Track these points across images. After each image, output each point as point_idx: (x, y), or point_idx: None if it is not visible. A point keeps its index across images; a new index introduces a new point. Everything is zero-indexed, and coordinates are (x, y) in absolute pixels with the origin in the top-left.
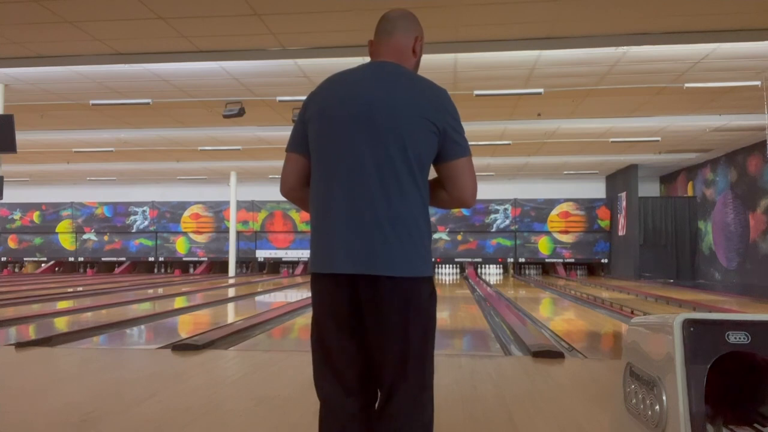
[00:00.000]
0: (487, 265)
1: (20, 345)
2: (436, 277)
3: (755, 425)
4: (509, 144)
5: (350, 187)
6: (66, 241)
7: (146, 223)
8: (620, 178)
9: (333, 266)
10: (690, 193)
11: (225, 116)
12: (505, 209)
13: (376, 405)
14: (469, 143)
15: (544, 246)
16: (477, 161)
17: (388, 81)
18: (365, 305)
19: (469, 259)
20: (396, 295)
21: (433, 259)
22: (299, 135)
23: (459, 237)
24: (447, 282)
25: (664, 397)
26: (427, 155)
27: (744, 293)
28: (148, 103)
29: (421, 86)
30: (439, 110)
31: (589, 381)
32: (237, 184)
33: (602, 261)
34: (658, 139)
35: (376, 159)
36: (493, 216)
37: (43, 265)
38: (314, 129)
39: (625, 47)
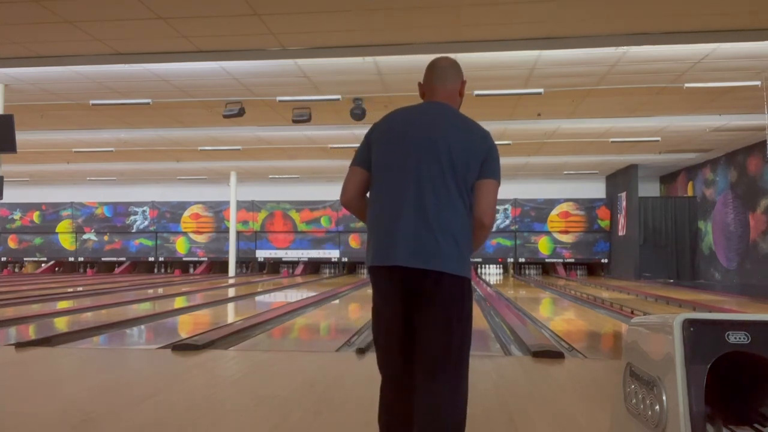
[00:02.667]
0: (487, 265)
1: (20, 345)
2: None
3: (755, 425)
4: (509, 144)
5: (410, 195)
6: (66, 241)
7: (146, 223)
8: (620, 178)
9: (389, 259)
10: (690, 193)
11: (225, 116)
12: (505, 209)
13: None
14: None
15: (544, 246)
16: None
17: (445, 118)
18: (418, 296)
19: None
20: (439, 288)
21: None
22: (363, 153)
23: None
24: None
25: (664, 397)
26: (471, 178)
27: (744, 293)
28: (148, 103)
29: (471, 126)
30: (483, 147)
31: (589, 381)
32: (237, 184)
33: (602, 261)
34: (658, 139)
35: (432, 176)
36: None
37: (43, 265)
38: (380, 149)
39: (625, 47)
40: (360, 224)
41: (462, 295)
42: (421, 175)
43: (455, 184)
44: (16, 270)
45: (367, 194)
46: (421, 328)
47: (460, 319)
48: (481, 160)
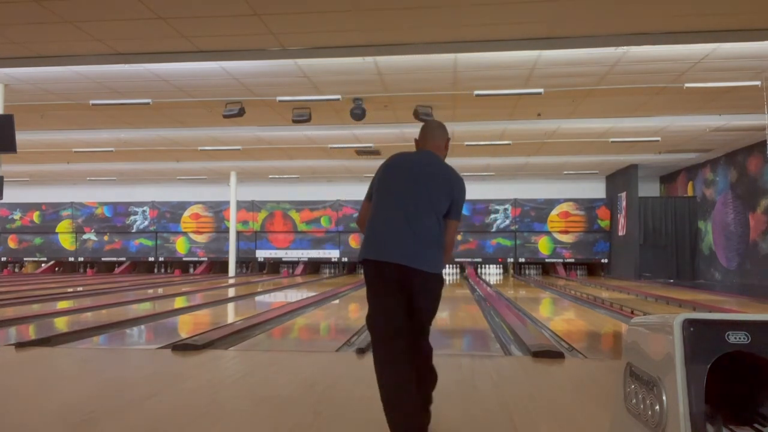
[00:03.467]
0: (487, 265)
1: (20, 345)
2: None
3: (755, 425)
4: (509, 144)
5: (403, 214)
6: (66, 241)
7: (146, 223)
8: (620, 178)
9: (385, 257)
10: (690, 193)
11: (225, 116)
12: (505, 209)
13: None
14: (470, 143)
15: (544, 246)
16: (477, 161)
17: (431, 163)
18: (407, 285)
19: (469, 259)
20: (426, 282)
21: None
22: (372, 191)
23: (459, 237)
24: (447, 282)
25: (664, 397)
26: (442, 210)
27: (744, 293)
28: (148, 103)
29: (449, 172)
30: (455, 189)
31: (589, 381)
32: (237, 184)
33: (602, 261)
34: (658, 139)
35: (416, 201)
36: (493, 216)
37: (43, 265)
38: (381, 178)
39: (625, 47)
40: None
41: (437, 287)
42: (409, 200)
43: (433, 212)
44: (16, 270)
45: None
46: (414, 307)
47: (434, 303)
48: (452, 200)
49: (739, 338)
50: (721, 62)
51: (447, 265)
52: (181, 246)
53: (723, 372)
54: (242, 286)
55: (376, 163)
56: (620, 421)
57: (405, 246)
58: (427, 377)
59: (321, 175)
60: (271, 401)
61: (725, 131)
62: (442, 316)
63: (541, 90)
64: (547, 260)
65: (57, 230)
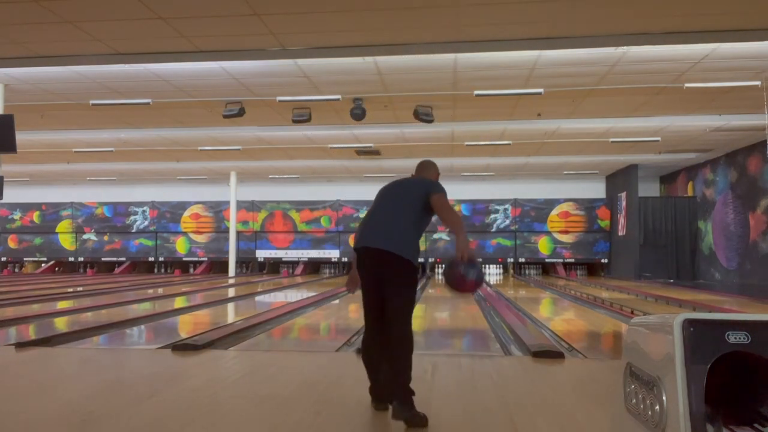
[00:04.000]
0: (487, 265)
1: (20, 345)
2: (436, 277)
3: (755, 425)
4: (509, 144)
5: (380, 214)
6: (66, 241)
7: (146, 223)
8: (620, 178)
9: (361, 243)
10: (690, 193)
11: (225, 116)
12: (505, 209)
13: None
14: (470, 143)
15: (544, 246)
16: (477, 161)
17: (411, 181)
18: (379, 270)
19: None
20: (393, 262)
21: (432, 259)
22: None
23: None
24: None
25: (664, 397)
26: (417, 207)
27: (744, 293)
28: (148, 103)
29: (423, 180)
30: (426, 184)
31: (589, 381)
32: (237, 184)
33: (602, 261)
34: (658, 139)
35: (392, 206)
36: (493, 216)
37: (43, 265)
38: (379, 193)
39: (625, 47)
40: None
41: (405, 269)
42: (389, 205)
43: (408, 214)
44: (16, 270)
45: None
46: (384, 289)
47: (403, 284)
48: (425, 194)
49: (739, 338)
50: (721, 62)
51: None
52: (181, 246)
53: (723, 372)
54: (242, 286)
55: (376, 163)
56: (620, 421)
57: (377, 235)
58: (395, 358)
59: (321, 175)
60: (271, 401)
61: (725, 131)
62: (443, 316)
63: (541, 90)
64: (547, 260)
65: (57, 230)
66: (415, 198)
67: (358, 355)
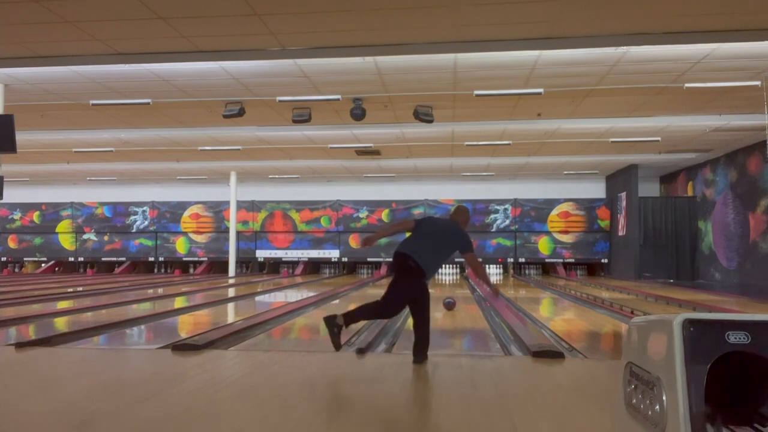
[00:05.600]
0: (487, 265)
1: (20, 345)
2: (436, 276)
3: (755, 425)
4: (509, 144)
5: (420, 240)
6: (66, 241)
7: (146, 223)
8: (620, 178)
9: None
10: (690, 193)
11: (225, 116)
12: (505, 209)
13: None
14: (470, 143)
15: (544, 246)
16: (477, 161)
17: (450, 225)
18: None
19: None
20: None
21: None
22: (415, 220)
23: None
24: (447, 282)
25: (664, 397)
26: (447, 251)
27: (744, 293)
28: (148, 103)
29: (460, 229)
30: (459, 239)
31: (589, 381)
32: (237, 184)
33: (602, 261)
34: (658, 139)
35: (434, 240)
36: (493, 216)
37: (43, 265)
38: (421, 227)
39: (625, 47)
40: (360, 224)
41: (416, 276)
42: (428, 243)
43: (440, 252)
44: (16, 270)
45: (407, 234)
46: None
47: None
48: (457, 245)
49: (739, 338)
50: (721, 62)
51: (489, 287)
52: (181, 246)
53: (723, 372)
54: (242, 286)
55: (376, 163)
56: (620, 421)
57: (414, 254)
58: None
59: (321, 175)
60: (271, 401)
61: (725, 131)
62: (442, 316)
63: (541, 90)
64: (547, 260)
65: (57, 230)
66: (448, 246)
67: (358, 355)
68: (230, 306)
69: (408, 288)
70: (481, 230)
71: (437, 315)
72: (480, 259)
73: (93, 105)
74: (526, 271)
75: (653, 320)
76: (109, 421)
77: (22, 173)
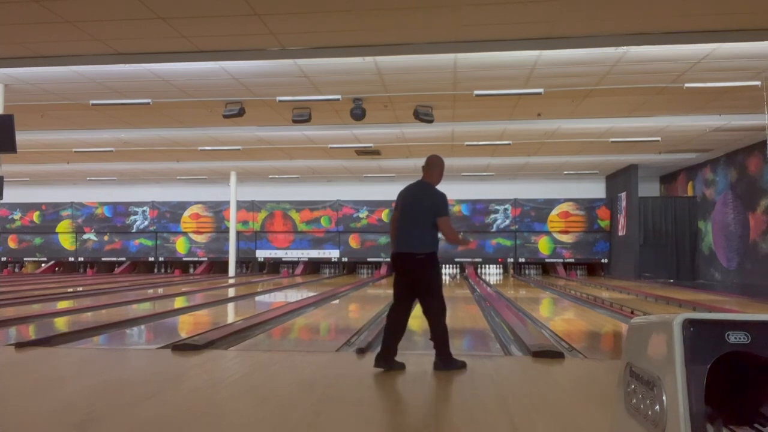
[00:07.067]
0: (487, 265)
1: (20, 345)
2: None
3: (755, 425)
4: (509, 144)
5: (403, 222)
6: (66, 241)
7: (146, 223)
8: (620, 178)
9: (394, 249)
10: (690, 193)
11: (225, 116)
12: (505, 209)
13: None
14: (470, 143)
15: (544, 246)
16: (477, 161)
17: (422, 189)
18: (403, 266)
19: (469, 259)
20: (411, 262)
21: None
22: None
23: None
24: (447, 282)
25: (663, 397)
26: (428, 219)
27: (744, 293)
28: (148, 103)
29: (432, 191)
30: (435, 201)
31: (589, 381)
32: (237, 184)
33: (602, 261)
34: (658, 139)
35: (413, 215)
36: (493, 216)
37: (43, 265)
38: (398, 209)
39: (625, 47)
40: (360, 224)
41: (422, 263)
42: (408, 214)
43: (421, 219)
44: (16, 270)
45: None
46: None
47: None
48: (434, 208)
49: (739, 338)
50: (721, 62)
51: (457, 248)
52: (181, 246)
53: (723, 372)
54: (242, 286)
55: (376, 163)
56: (620, 421)
57: (400, 242)
58: (432, 325)
59: (321, 175)
60: (271, 401)
61: (725, 131)
62: None
63: (541, 90)
64: (547, 260)
65: (57, 230)
66: (426, 212)
67: (359, 355)
68: (230, 306)
69: (428, 274)
70: (481, 230)
71: None
72: (479, 259)
73: (93, 105)
74: (526, 271)
75: (653, 320)
76: (109, 421)
77: (22, 173)
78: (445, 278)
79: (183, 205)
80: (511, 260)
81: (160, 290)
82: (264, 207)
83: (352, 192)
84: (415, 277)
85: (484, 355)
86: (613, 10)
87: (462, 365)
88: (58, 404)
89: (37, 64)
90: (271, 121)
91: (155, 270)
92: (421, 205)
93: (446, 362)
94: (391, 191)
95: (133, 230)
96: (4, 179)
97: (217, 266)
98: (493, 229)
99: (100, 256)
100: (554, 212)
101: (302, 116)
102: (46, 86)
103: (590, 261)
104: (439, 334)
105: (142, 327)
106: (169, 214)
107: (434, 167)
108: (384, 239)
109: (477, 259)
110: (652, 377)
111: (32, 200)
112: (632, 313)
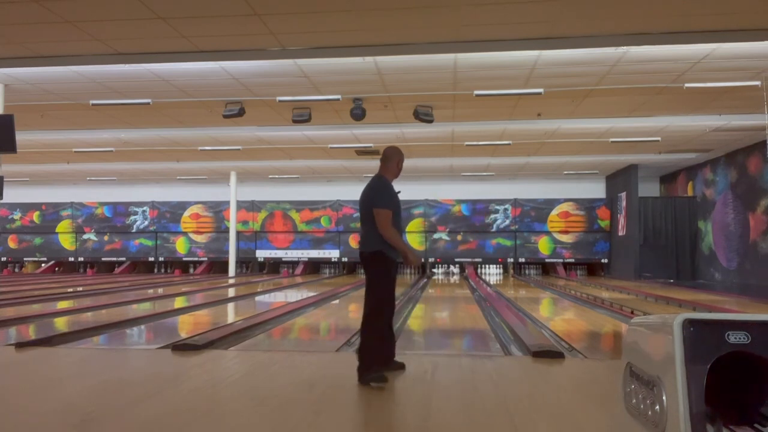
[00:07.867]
0: (486, 265)
1: (20, 345)
2: (435, 277)
3: (755, 425)
4: (509, 144)
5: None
6: (66, 241)
7: (146, 223)
8: (620, 178)
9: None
10: (690, 193)
11: (225, 116)
12: (505, 209)
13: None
14: (470, 143)
15: (544, 246)
16: (477, 161)
17: (369, 184)
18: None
19: (469, 259)
20: (365, 258)
21: (432, 259)
22: None
23: (459, 237)
24: (447, 282)
25: (664, 397)
26: (371, 213)
27: (744, 293)
28: (148, 103)
29: (373, 184)
30: (371, 195)
31: (589, 381)
32: (237, 184)
33: (602, 261)
34: (658, 139)
35: (362, 212)
36: (493, 216)
37: (43, 265)
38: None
39: (625, 47)
40: (360, 225)
41: (372, 261)
42: (361, 214)
43: (368, 220)
44: (16, 270)
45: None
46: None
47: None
48: (371, 201)
49: (739, 338)
50: (721, 62)
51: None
52: (181, 246)
53: (723, 372)
54: (242, 286)
55: (376, 163)
56: (620, 421)
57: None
58: (362, 326)
59: (321, 175)
60: (271, 401)
61: (725, 131)
62: (442, 316)
63: (541, 90)
64: (547, 260)
65: (57, 230)
66: (368, 207)
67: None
68: (230, 306)
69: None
70: (481, 230)
71: (438, 315)
72: (479, 259)
73: (93, 105)
74: (526, 271)
75: (653, 320)
76: (109, 421)
77: (22, 173)
78: (444, 278)
79: (183, 205)
80: (511, 260)
81: (160, 290)
82: (264, 207)
83: (352, 192)
84: (366, 275)
85: (484, 355)
86: (613, 10)
87: (380, 378)
88: (58, 404)
89: (37, 64)
90: (271, 121)
91: (155, 270)
92: (366, 202)
93: (362, 368)
94: None
95: (133, 230)
96: (4, 179)
97: (217, 266)
98: (493, 229)
99: (100, 256)
100: (554, 212)
101: (302, 116)
102: (46, 86)
103: (590, 261)
104: (364, 337)
105: (142, 327)
106: (169, 214)
107: (388, 160)
108: None
109: (477, 259)
110: (652, 377)
111: (32, 200)
112: (632, 313)
